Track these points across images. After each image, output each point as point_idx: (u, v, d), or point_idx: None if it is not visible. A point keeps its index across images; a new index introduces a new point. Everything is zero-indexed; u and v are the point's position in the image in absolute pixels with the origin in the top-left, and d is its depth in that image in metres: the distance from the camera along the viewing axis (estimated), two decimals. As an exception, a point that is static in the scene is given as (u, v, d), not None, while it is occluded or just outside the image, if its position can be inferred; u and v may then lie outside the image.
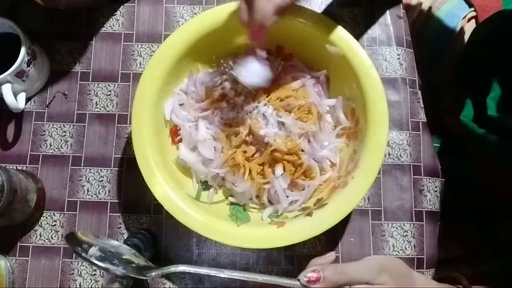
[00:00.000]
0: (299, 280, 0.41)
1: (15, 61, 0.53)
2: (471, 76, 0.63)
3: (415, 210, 0.56)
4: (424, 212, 0.57)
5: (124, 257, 0.46)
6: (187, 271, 0.43)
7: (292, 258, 0.55)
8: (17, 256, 0.56)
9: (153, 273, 0.45)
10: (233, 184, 0.52)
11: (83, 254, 0.43)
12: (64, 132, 0.59)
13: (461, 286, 0.51)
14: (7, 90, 0.54)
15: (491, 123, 0.55)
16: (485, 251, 0.65)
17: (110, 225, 0.56)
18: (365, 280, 0.41)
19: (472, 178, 0.66)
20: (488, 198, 0.64)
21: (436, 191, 0.58)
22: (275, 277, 0.42)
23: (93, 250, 0.44)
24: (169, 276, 0.55)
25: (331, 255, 0.46)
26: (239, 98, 0.52)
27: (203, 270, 0.43)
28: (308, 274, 0.41)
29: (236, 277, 0.43)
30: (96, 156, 0.58)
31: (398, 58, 0.61)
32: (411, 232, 0.56)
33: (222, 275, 0.43)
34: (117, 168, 0.58)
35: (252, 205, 0.54)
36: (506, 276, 0.53)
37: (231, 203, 0.54)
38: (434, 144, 0.60)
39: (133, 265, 0.45)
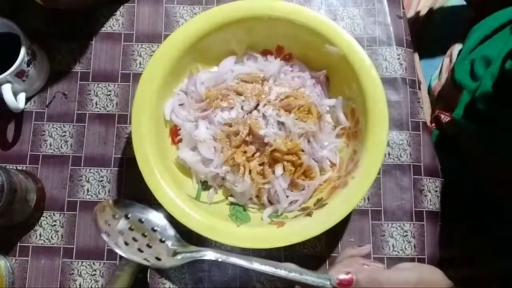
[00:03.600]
0: (329, 280, 0.40)
1: (15, 61, 0.53)
2: (466, 75, 0.63)
3: (415, 210, 0.56)
4: (424, 212, 0.57)
5: (152, 232, 0.46)
6: (214, 259, 0.44)
7: (292, 258, 0.55)
8: (17, 256, 0.56)
9: (179, 258, 0.45)
10: (233, 184, 0.52)
11: (110, 242, 0.44)
12: (64, 132, 0.59)
13: None
14: (7, 90, 0.54)
15: (479, 115, 0.54)
16: (485, 251, 0.65)
17: (110, 225, 0.56)
18: None
19: (471, 178, 0.66)
20: (488, 198, 0.64)
21: (436, 191, 0.58)
22: (305, 275, 0.40)
23: (122, 224, 0.44)
24: (169, 276, 0.55)
25: (366, 248, 0.44)
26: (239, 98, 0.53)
27: (233, 259, 0.43)
28: (340, 276, 0.39)
29: (263, 271, 0.42)
30: (96, 156, 0.58)
31: (398, 58, 0.61)
32: (411, 232, 0.56)
33: (251, 267, 0.43)
34: (117, 168, 0.58)
35: (252, 205, 0.54)
36: (506, 276, 0.53)
37: (231, 203, 0.54)
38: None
39: (162, 242, 0.45)
